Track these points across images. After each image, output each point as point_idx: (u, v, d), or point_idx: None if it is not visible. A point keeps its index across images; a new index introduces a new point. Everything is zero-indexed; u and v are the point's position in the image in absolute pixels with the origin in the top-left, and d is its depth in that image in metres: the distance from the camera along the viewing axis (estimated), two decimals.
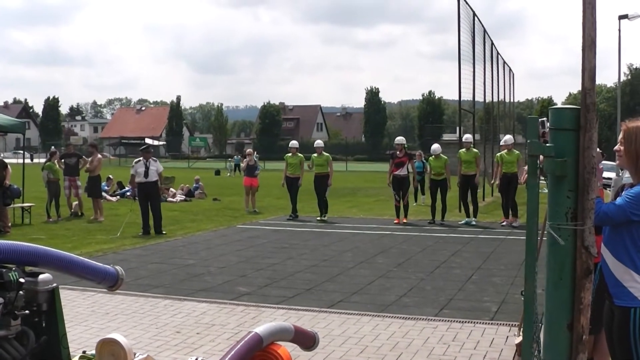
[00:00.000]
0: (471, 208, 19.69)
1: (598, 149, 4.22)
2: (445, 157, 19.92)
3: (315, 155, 21.41)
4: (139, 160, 17.93)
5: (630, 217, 4.13)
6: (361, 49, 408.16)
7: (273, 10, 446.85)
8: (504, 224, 18.87)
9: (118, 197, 29.05)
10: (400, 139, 20.51)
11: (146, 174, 17.70)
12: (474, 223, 19.28)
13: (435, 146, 20.31)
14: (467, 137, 20.13)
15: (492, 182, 20.56)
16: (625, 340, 4.28)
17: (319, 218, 20.66)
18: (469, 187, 19.47)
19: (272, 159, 74.29)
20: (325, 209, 21.03)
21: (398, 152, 20.06)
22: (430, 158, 20.33)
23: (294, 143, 22.27)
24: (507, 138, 19.70)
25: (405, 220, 19.86)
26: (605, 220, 4.19)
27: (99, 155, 22.52)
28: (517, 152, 18.98)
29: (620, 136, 4.34)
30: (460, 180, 19.46)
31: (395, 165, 19.96)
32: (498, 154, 19.74)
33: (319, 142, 21.92)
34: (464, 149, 19.69)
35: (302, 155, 22.05)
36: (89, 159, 22.06)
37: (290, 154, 21.79)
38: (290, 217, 21.29)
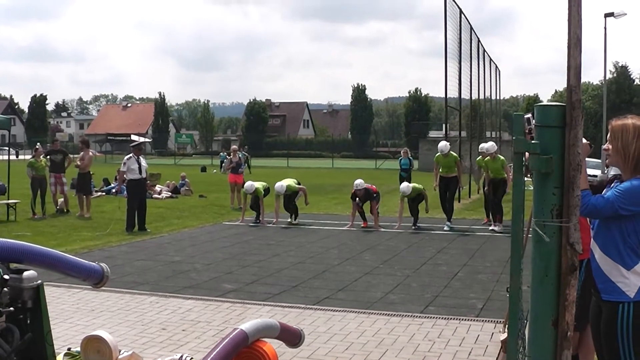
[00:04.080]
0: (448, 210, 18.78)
1: (585, 140, 4.24)
2: (455, 155, 19.08)
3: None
4: (131, 157, 17.91)
5: (619, 211, 4.15)
6: (350, 45, 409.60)
7: (262, 7, 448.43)
8: (493, 228, 17.83)
9: (104, 193, 28.99)
10: (359, 184, 18.54)
11: (140, 171, 17.76)
12: (446, 228, 18.07)
13: (443, 144, 18.61)
14: (443, 146, 18.48)
15: (484, 188, 19.40)
16: (612, 335, 4.30)
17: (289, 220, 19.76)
18: (447, 190, 18.63)
19: (258, 156, 74.33)
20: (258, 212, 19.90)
21: (358, 198, 18.66)
22: (438, 155, 18.66)
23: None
24: (489, 146, 18.47)
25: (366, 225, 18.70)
26: (593, 213, 4.21)
27: (90, 153, 22.49)
28: (502, 157, 18.33)
29: (608, 135, 4.39)
30: (439, 183, 18.64)
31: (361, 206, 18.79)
32: (482, 160, 18.47)
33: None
34: (440, 154, 18.48)
35: None
36: (79, 156, 22.04)
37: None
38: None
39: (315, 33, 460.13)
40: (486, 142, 21.62)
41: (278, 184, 19.21)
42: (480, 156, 18.63)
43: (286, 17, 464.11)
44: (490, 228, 17.78)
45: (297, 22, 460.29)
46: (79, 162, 21.75)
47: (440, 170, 18.48)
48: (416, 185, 19.04)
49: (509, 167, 17.65)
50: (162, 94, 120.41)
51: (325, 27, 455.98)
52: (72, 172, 23.07)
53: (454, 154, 18.92)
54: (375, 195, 18.68)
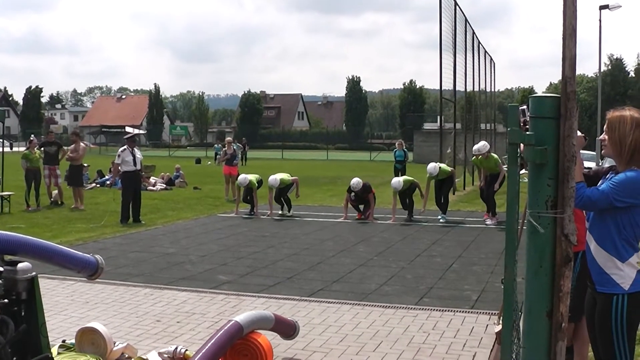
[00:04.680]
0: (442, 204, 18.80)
1: (580, 133, 4.24)
2: (447, 169, 18.97)
3: None
4: (125, 149, 17.89)
5: (614, 203, 4.15)
6: (346, 37, 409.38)
7: None
8: (487, 222, 17.74)
9: (97, 185, 28.98)
10: (356, 185, 18.39)
11: (135, 162, 17.74)
12: (442, 221, 18.09)
13: (431, 167, 18.28)
14: (432, 168, 18.18)
15: (479, 183, 19.07)
16: (607, 327, 4.31)
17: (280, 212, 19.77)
18: (441, 187, 18.66)
19: (253, 148, 74.25)
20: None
21: (354, 193, 18.63)
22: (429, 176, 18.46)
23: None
24: (481, 146, 18.17)
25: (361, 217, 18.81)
26: (588, 205, 4.21)
27: (82, 144, 22.44)
28: (495, 156, 18.31)
29: (605, 125, 4.39)
30: (435, 183, 18.68)
31: (355, 201, 18.86)
32: (477, 160, 18.31)
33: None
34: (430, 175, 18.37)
35: None
36: (71, 147, 21.99)
37: None
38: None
39: (310, 25, 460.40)
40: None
41: (271, 178, 19.17)
42: (475, 156, 18.54)
43: (281, 9, 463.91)
44: (486, 221, 17.72)
45: (292, 14, 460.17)
46: (70, 154, 21.67)
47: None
48: (407, 177, 19.13)
49: (502, 164, 17.64)
50: (157, 85, 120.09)
51: (320, 18, 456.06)
52: (66, 164, 23.02)
53: (446, 169, 18.77)
54: (372, 193, 18.70)
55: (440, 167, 18.28)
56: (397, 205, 18.36)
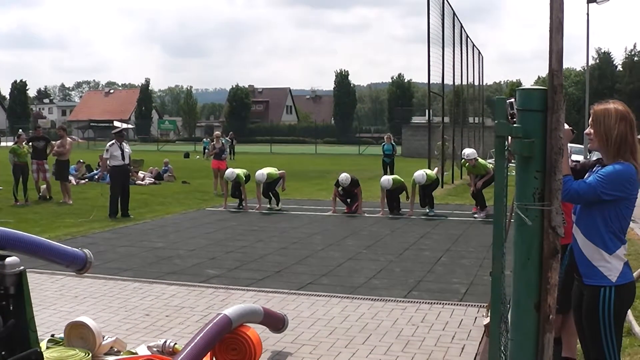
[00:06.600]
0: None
1: (568, 126, 4.24)
2: (434, 175, 19.13)
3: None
4: (113, 143, 17.82)
5: (601, 196, 4.16)
6: (336, 32, 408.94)
7: None
8: (476, 215, 17.96)
9: (86, 180, 28.88)
10: (344, 180, 18.57)
11: (123, 157, 17.69)
12: (431, 214, 18.17)
13: (420, 176, 18.02)
14: (420, 177, 18.01)
15: (471, 188, 19.12)
16: (594, 319, 4.32)
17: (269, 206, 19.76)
18: (425, 189, 18.48)
19: (241, 142, 74.21)
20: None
21: (342, 188, 18.79)
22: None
23: None
24: (470, 152, 18.45)
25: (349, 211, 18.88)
26: (575, 199, 4.22)
27: (69, 139, 22.36)
28: (482, 162, 18.43)
29: (590, 119, 4.40)
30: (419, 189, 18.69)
31: (343, 195, 19.03)
32: (465, 164, 18.69)
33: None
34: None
35: None
36: (58, 142, 21.90)
37: None
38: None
39: (300, 20, 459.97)
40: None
41: (259, 172, 19.15)
42: (464, 160, 18.65)
43: (271, 4, 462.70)
44: (475, 215, 17.76)
45: (282, 9, 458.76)
46: (56, 149, 21.58)
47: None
48: (397, 177, 19.13)
49: (491, 169, 17.74)
50: (148, 80, 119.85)
51: (310, 13, 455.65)
52: (53, 159, 22.95)
53: (431, 175, 18.75)
54: (360, 187, 18.79)
55: (426, 175, 18.22)
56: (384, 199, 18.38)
